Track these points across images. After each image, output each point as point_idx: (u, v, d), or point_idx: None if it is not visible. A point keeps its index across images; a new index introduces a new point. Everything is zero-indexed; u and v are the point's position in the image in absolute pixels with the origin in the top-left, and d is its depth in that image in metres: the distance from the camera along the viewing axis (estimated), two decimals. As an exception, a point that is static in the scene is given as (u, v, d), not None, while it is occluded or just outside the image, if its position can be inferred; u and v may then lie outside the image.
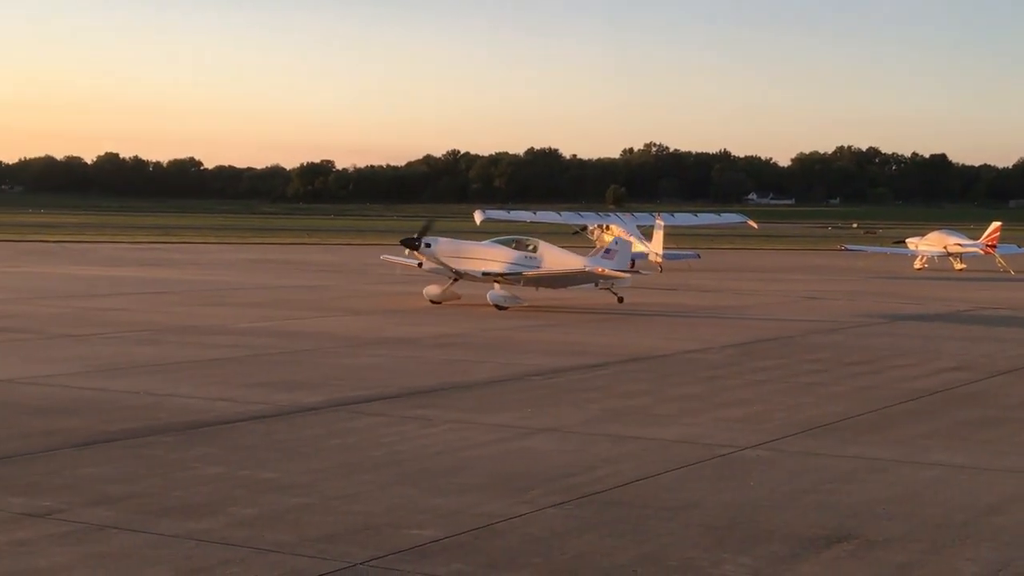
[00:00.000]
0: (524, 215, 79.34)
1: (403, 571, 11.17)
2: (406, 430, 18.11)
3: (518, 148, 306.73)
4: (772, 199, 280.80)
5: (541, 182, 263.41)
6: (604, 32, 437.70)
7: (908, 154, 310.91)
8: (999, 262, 71.70)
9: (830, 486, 15.06)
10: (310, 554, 11.56)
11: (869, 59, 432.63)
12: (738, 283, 55.93)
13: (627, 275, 40.57)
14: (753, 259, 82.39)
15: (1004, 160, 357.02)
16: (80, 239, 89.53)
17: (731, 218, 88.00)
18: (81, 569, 10.98)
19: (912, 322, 38.53)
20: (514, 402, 20.91)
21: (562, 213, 77.37)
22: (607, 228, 68.00)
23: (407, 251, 39.65)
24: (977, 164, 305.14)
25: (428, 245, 38.75)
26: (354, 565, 11.28)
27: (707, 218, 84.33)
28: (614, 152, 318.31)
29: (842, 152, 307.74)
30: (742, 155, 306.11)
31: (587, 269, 39.52)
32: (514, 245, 40.26)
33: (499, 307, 37.91)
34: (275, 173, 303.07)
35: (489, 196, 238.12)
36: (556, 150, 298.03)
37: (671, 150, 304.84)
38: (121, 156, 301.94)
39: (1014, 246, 75.55)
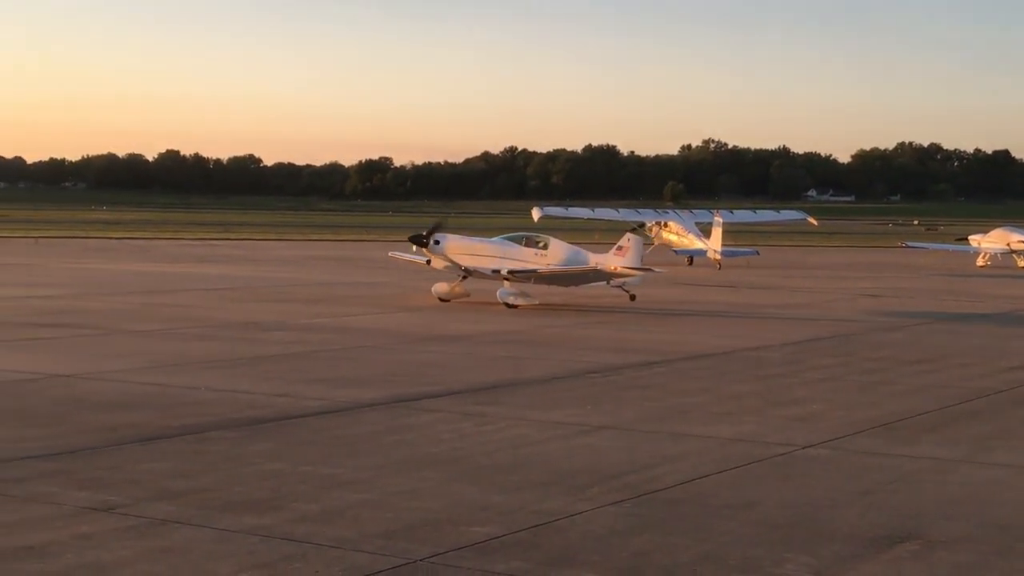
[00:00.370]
0: (582, 212, 79.23)
1: (463, 568, 11.20)
2: (464, 427, 18.15)
3: (576, 145, 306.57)
4: (832, 196, 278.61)
5: (599, 179, 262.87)
6: (661, 28, 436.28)
7: (970, 150, 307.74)
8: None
9: (891, 486, 14.94)
10: (370, 550, 11.61)
11: (931, 55, 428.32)
12: (797, 281, 55.55)
13: (639, 273, 39.75)
14: (812, 256, 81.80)
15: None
16: (141, 235, 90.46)
17: (790, 215, 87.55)
18: (144, 563, 11.10)
19: (975, 320, 38.12)
20: (572, 399, 20.91)
21: (620, 210, 77.26)
22: (665, 225, 67.85)
23: (414, 248, 39.15)
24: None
25: (437, 242, 38.18)
26: (414, 562, 11.32)
27: (766, 215, 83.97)
28: (672, 149, 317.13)
29: (903, 148, 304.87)
30: (801, 152, 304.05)
31: (598, 267, 38.90)
32: (524, 242, 39.57)
33: (509, 305, 37.19)
34: (334, 170, 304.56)
35: (547, 193, 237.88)
36: (614, 147, 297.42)
37: (730, 146, 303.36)
38: (182, 153, 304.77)
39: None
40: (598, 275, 39.04)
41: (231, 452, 15.89)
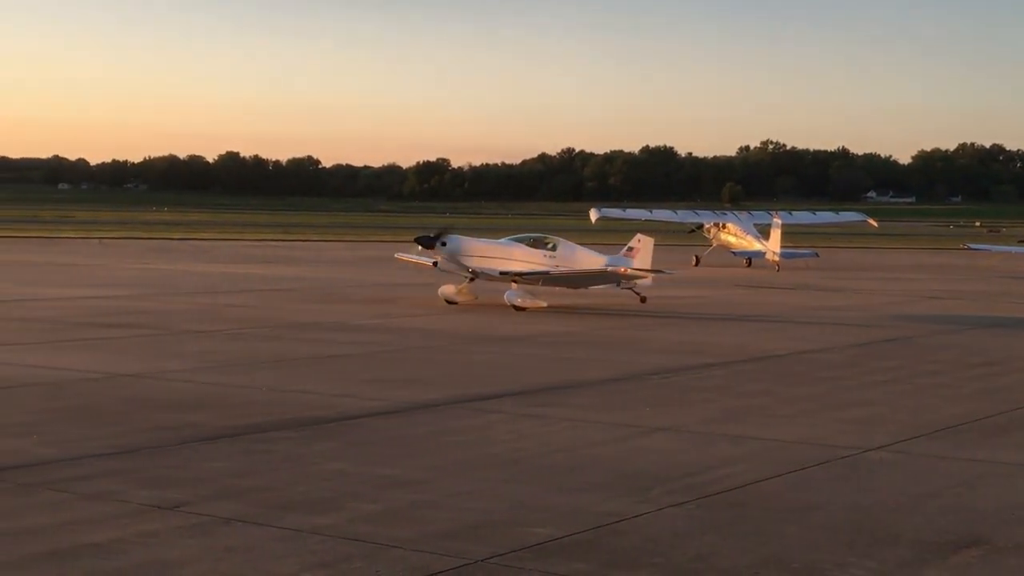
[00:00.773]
0: (640, 213, 78.97)
1: (524, 569, 11.19)
2: (523, 428, 18.16)
3: (633, 146, 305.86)
4: (892, 197, 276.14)
5: (656, 180, 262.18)
6: (719, 29, 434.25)
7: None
8: None
9: (956, 490, 14.77)
10: (431, 550, 11.63)
11: (992, 54, 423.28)
12: (857, 282, 55.10)
13: (649, 274, 39.18)
14: (872, 258, 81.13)
15: None
16: (202, 237, 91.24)
17: (850, 216, 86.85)
18: (208, 561, 11.18)
19: (1039, 323, 37.61)
20: (631, 401, 20.85)
21: (678, 211, 77.00)
22: (724, 226, 67.57)
23: (420, 248, 38.45)
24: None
25: (444, 244, 37.57)
26: (475, 562, 11.33)
27: (826, 216, 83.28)
28: (730, 150, 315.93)
29: (964, 149, 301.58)
30: (861, 152, 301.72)
31: (608, 269, 38.28)
32: (532, 243, 39.03)
33: (517, 307, 36.43)
34: (391, 171, 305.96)
35: (604, 194, 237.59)
36: (671, 148, 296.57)
37: (788, 148, 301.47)
38: (241, 155, 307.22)
39: None
40: (608, 277, 38.36)
41: (293, 452, 15.99)
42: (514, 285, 37.31)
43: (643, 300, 39.30)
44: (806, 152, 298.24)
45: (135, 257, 62.75)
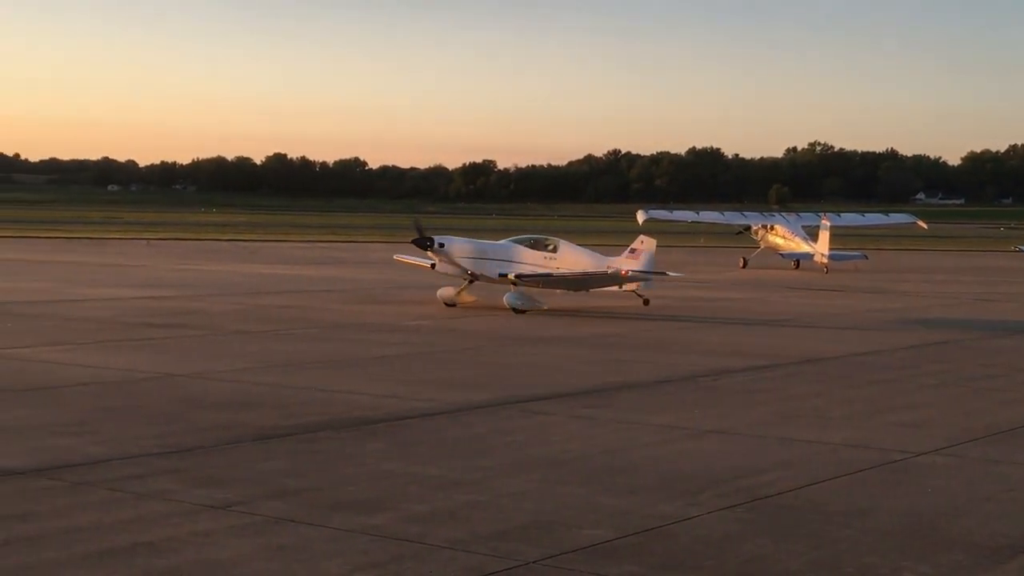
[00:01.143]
0: (687, 215, 78.71)
1: (575, 571, 11.16)
2: (573, 429, 18.13)
3: (680, 147, 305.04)
4: (941, 199, 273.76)
5: (703, 182, 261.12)
6: (766, 29, 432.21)
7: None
8: None
9: (1012, 494, 14.62)
10: (482, 551, 11.63)
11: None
12: (907, 285, 54.67)
13: (651, 277, 38.36)
14: (922, 260, 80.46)
15: None
16: (250, 238, 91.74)
17: (899, 218, 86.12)
18: (261, 561, 11.23)
19: (1093, 326, 37.15)
20: (680, 403, 20.78)
21: (725, 213, 76.66)
22: (772, 228, 67.24)
23: (427, 251, 37.37)
24: None
25: (441, 245, 36.85)
26: (526, 564, 11.31)
27: (875, 218, 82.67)
28: (777, 151, 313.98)
29: (1015, 150, 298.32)
30: (910, 154, 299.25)
31: (609, 271, 37.46)
32: (532, 244, 38.17)
33: (516, 310, 35.64)
34: (437, 173, 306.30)
35: (650, 196, 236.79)
36: (718, 149, 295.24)
37: (836, 149, 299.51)
38: (289, 157, 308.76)
39: None
40: (609, 279, 37.56)
41: (343, 452, 16.03)
42: (513, 287, 36.56)
43: (646, 303, 38.27)
44: (854, 153, 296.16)
45: (184, 258, 63.17)
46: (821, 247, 62.91)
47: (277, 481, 14.20)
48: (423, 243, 37.19)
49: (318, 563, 11.20)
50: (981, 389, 23.30)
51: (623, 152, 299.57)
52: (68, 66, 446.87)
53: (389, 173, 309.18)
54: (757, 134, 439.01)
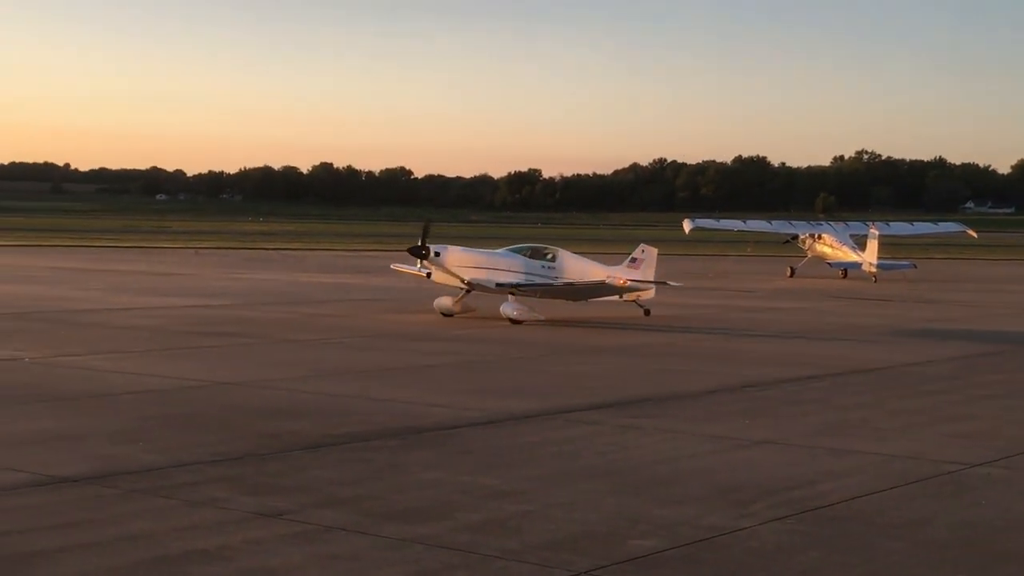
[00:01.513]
0: (734, 224, 78.37)
1: (627, 581, 11.15)
2: (623, 439, 18.09)
3: (726, 156, 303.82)
4: (991, 208, 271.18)
5: (749, 190, 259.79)
6: (813, 38, 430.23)
7: None
8: None
9: (1067, 507, 14.45)
10: (533, 561, 11.62)
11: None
12: (956, 294, 54.21)
13: (652, 287, 37.74)
14: (971, 269, 79.76)
15: None
16: (296, 247, 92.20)
17: (949, 227, 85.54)
18: (313, 569, 11.27)
19: None
20: (730, 413, 20.69)
21: (773, 222, 76.29)
22: (819, 237, 66.88)
23: (420, 262, 36.72)
24: None
25: (437, 254, 35.91)
26: (577, 574, 11.30)
27: (924, 227, 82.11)
28: (824, 160, 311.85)
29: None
30: (958, 162, 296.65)
31: (608, 281, 36.71)
32: (530, 254, 37.23)
33: (513, 320, 34.95)
34: (483, 182, 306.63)
35: (696, 204, 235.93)
36: (764, 158, 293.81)
37: (884, 157, 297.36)
38: (335, 166, 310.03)
39: None
40: (608, 289, 36.74)
41: (393, 460, 16.07)
42: (511, 298, 35.76)
43: (647, 313, 37.76)
44: (902, 162, 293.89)
45: (232, 267, 63.58)
46: (869, 256, 62.53)
47: (328, 490, 14.27)
48: (418, 252, 36.35)
49: (369, 572, 11.24)
50: (1034, 400, 23.06)
51: (668, 161, 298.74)
52: (117, 78, 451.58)
53: (434, 182, 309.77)
54: (804, 142, 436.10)
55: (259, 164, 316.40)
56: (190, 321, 34.04)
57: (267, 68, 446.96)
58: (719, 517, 13.42)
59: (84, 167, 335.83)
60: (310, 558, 11.58)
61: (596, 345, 30.78)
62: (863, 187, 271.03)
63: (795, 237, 70.12)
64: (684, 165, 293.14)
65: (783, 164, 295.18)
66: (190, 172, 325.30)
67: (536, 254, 37.43)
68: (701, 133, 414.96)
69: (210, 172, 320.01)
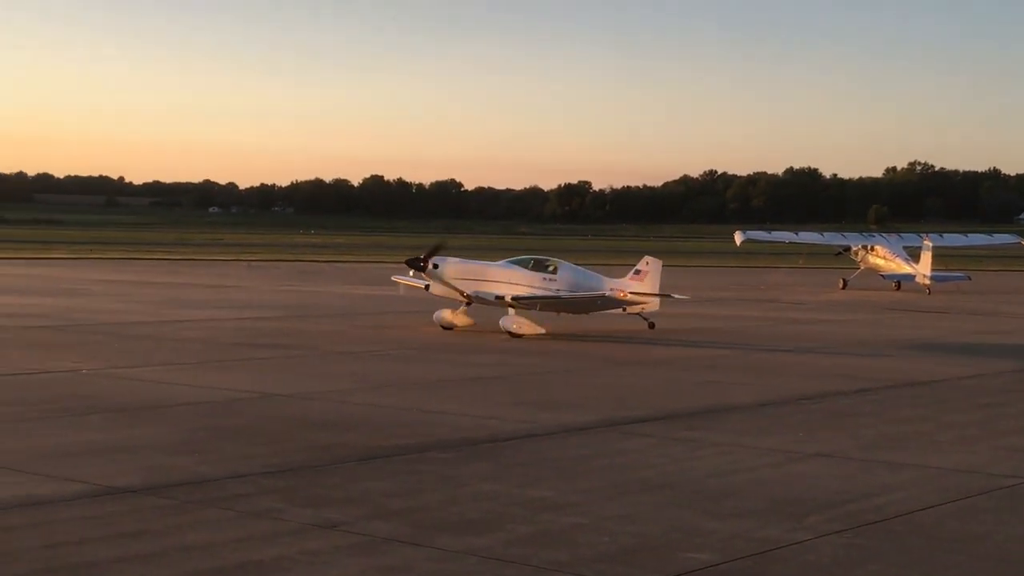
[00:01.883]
0: (785, 235, 77.89)
1: (682, 595, 11.09)
2: (675, 452, 18.02)
3: (777, 168, 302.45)
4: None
5: (800, 202, 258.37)
6: (864, 49, 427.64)
7: None
8: None
9: None
10: (586, 574, 11.59)
11: None
12: (1010, 306, 53.66)
13: (655, 299, 37.02)
14: (1027, 281, 78.89)
15: None
16: (347, 259, 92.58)
17: (1004, 239, 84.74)
18: (368, 580, 11.29)
19: None
20: (783, 426, 20.56)
21: (825, 234, 75.85)
22: (872, 249, 66.42)
23: (412, 272, 36.48)
24: None
25: (436, 266, 35.37)
26: (632, 587, 11.26)
27: (978, 239, 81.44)
28: (877, 171, 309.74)
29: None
30: (1013, 173, 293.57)
31: (608, 294, 35.97)
32: (531, 266, 36.50)
33: (513, 334, 34.39)
34: (533, 194, 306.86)
35: (747, 216, 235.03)
36: (816, 169, 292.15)
37: (936, 168, 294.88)
38: (386, 178, 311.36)
39: None
40: (609, 302, 36.02)
41: (446, 472, 16.09)
42: (511, 311, 35.20)
43: (651, 326, 37.10)
44: (955, 173, 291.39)
45: (283, 279, 63.94)
46: (923, 268, 62.03)
47: (382, 501, 14.29)
48: (416, 264, 35.91)
49: (425, 584, 11.24)
50: (1093, 413, 22.75)
51: (719, 172, 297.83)
52: (171, 92, 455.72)
53: (484, 194, 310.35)
54: (855, 154, 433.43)
55: (310, 177, 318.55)
56: (243, 333, 34.26)
57: (319, 81, 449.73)
58: (775, 530, 13.33)
59: (138, 180, 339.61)
60: (366, 569, 11.60)
61: (647, 358, 30.70)
62: (916, 198, 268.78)
63: (847, 249, 69.66)
64: (735, 177, 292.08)
65: (835, 176, 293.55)
66: (242, 185, 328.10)
67: (538, 266, 36.81)
68: (752, 144, 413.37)
69: (262, 185, 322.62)
